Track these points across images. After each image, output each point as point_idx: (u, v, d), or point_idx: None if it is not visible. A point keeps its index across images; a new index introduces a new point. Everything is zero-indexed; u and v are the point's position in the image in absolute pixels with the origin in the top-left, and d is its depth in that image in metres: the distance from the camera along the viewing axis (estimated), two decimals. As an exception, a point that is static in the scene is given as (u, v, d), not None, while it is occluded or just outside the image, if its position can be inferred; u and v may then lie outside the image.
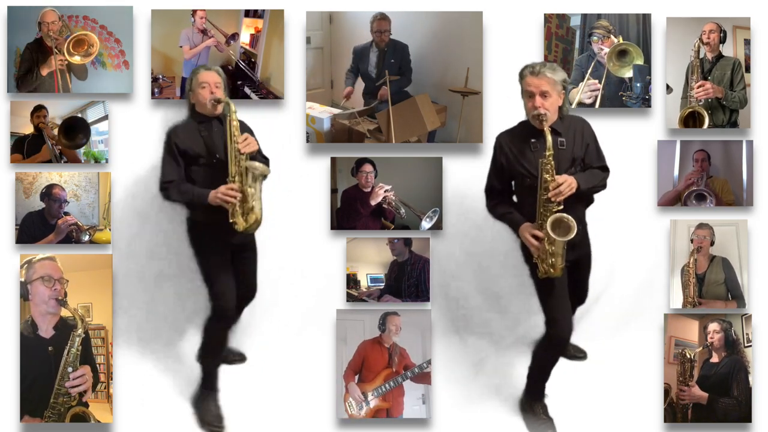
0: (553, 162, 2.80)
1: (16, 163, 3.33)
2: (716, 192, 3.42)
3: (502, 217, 3.02)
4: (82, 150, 3.36)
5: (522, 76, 2.92)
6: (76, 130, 3.36)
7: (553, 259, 2.86)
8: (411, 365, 3.25)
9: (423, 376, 3.24)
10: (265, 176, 3.02)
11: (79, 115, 3.36)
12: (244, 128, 3.14)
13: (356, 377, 3.22)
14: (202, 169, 3.10)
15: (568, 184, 2.79)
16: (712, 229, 3.39)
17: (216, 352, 3.17)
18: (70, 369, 3.10)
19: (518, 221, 2.93)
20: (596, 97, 3.44)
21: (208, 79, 3.11)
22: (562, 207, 2.81)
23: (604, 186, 2.97)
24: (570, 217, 2.80)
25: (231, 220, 3.00)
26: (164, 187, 3.10)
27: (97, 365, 3.17)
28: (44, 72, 3.34)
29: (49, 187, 3.33)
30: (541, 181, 2.82)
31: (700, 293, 3.39)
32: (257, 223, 3.02)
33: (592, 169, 2.94)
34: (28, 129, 3.34)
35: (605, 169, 2.98)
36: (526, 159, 2.93)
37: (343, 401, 3.20)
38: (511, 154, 2.96)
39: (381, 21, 3.43)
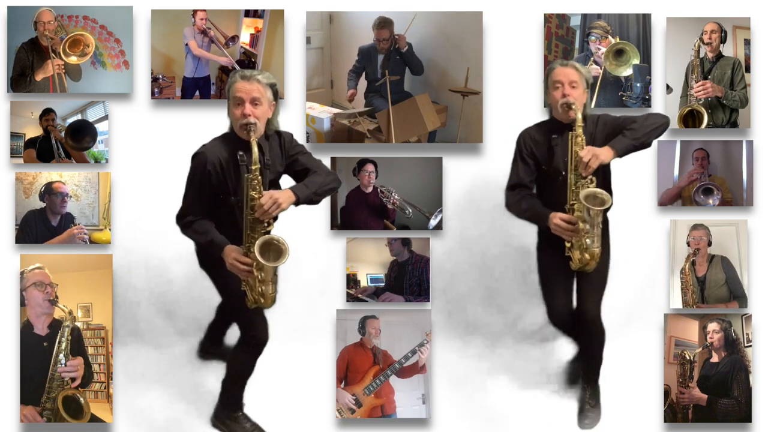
0: (583, 135, 2.83)
1: (30, 162, 3.34)
2: (718, 189, 3.43)
3: (527, 211, 2.98)
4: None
5: (551, 69, 2.97)
6: (83, 132, 3.36)
7: (589, 240, 2.81)
8: (396, 362, 3.25)
9: (413, 367, 3.23)
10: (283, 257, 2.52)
11: (82, 116, 3.36)
12: (283, 147, 2.74)
13: (342, 383, 3.21)
14: (233, 207, 2.69)
15: (590, 153, 2.77)
16: (708, 229, 3.39)
17: (245, 381, 2.95)
18: (61, 356, 3.12)
19: (544, 213, 2.91)
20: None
21: (243, 93, 2.61)
22: (594, 183, 2.82)
23: (658, 127, 2.85)
24: (603, 191, 2.80)
25: (242, 288, 2.65)
26: (180, 216, 2.73)
27: (89, 357, 3.19)
28: (39, 77, 3.34)
29: (49, 184, 3.33)
30: (572, 156, 2.84)
31: (702, 298, 3.38)
32: (269, 304, 2.68)
33: (624, 131, 2.87)
34: (30, 130, 3.34)
35: (636, 118, 2.88)
36: (547, 153, 2.97)
37: (335, 409, 3.19)
38: (535, 148, 2.99)
39: (380, 30, 3.41)
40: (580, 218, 2.82)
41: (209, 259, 2.83)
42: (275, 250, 2.58)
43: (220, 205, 2.72)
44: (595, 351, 3.08)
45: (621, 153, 2.83)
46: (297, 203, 2.64)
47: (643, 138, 2.84)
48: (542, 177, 3.02)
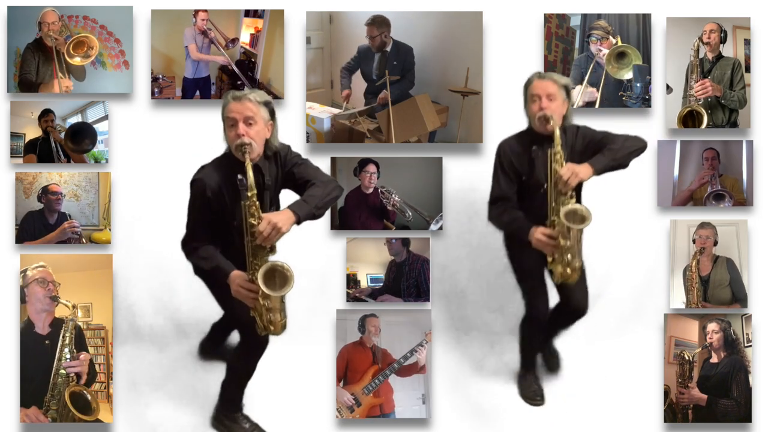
0: (562, 152, 2.82)
1: (29, 164, 3.35)
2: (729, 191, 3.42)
3: (508, 225, 2.99)
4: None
5: (529, 82, 2.97)
6: (82, 135, 3.37)
7: (569, 257, 2.83)
8: (395, 361, 3.25)
9: (412, 367, 3.23)
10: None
11: (82, 117, 3.37)
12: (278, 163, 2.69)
13: (341, 382, 3.21)
14: (235, 230, 2.61)
15: (570, 171, 2.77)
16: (715, 228, 3.39)
17: (244, 382, 2.95)
18: (66, 351, 3.13)
19: (526, 226, 2.91)
20: (593, 100, 3.46)
21: (236, 113, 2.54)
22: (574, 199, 2.83)
23: (636, 150, 2.89)
24: (584, 207, 2.81)
25: (251, 314, 2.61)
26: (184, 243, 2.69)
27: (92, 356, 3.18)
28: (43, 91, 3.35)
29: (45, 187, 3.34)
30: (551, 173, 2.83)
31: (705, 297, 3.38)
32: (279, 331, 2.66)
33: (604, 150, 2.89)
34: (30, 130, 3.34)
35: (615, 138, 2.91)
36: (528, 165, 2.96)
37: (335, 409, 3.20)
38: (516, 159, 2.98)
39: (369, 26, 3.41)
40: (561, 233, 2.83)
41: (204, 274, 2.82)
42: (280, 277, 2.52)
43: (222, 228, 2.67)
44: (562, 331, 3.28)
45: (599, 171, 2.85)
46: (299, 222, 2.55)
47: (621, 159, 2.88)
48: (523, 189, 3.01)
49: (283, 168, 2.76)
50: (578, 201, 2.99)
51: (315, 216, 2.61)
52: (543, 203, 2.91)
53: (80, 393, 3.13)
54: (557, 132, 2.82)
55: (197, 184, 2.63)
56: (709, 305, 3.37)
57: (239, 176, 2.52)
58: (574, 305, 3.09)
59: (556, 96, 2.90)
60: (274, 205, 2.79)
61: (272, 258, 2.59)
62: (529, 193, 2.99)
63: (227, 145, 2.67)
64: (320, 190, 2.64)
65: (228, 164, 2.65)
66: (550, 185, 2.85)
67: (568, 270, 2.87)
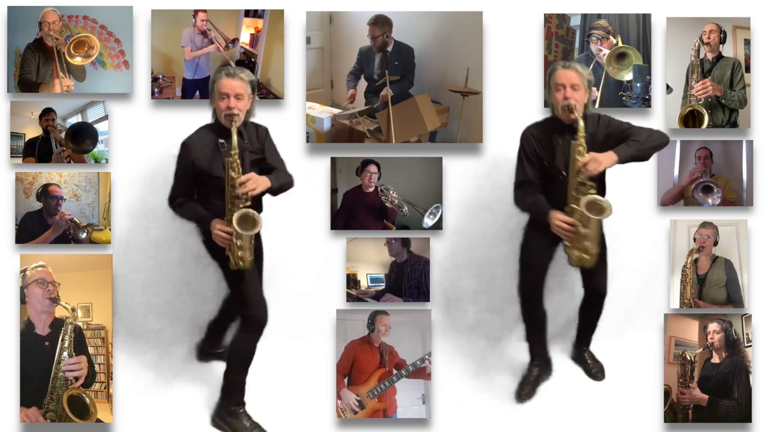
0: (585, 144, 2.88)
1: (29, 164, 3.35)
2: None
3: (531, 207, 3.07)
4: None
5: (552, 71, 3.02)
6: (83, 134, 3.36)
7: (588, 243, 2.89)
8: (402, 363, 3.24)
9: (419, 372, 3.23)
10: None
11: (82, 117, 3.37)
12: (256, 138, 3.03)
13: (346, 380, 3.21)
14: (217, 186, 2.95)
15: (593, 160, 2.85)
16: (717, 228, 3.39)
17: (247, 365, 3.04)
18: (65, 354, 3.13)
19: (545, 209, 2.99)
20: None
21: (228, 89, 2.92)
22: (594, 189, 2.89)
23: (659, 145, 2.95)
24: (604, 198, 2.88)
25: (226, 253, 2.93)
26: (171, 199, 3.03)
27: (91, 356, 3.18)
28: (43, 90, 3.35)
29: (45, 186, 3.34)
30: (572, 163, 2.90)
31: (700, 295, 3.39)
32: (247, 266, 2.94)
33: (629, 140, 2.94)
34: (31, 130, 3.34)
35: (641, 130, 2.96)
36: (551, 152, 3.02)
37: (336, 408, 3.19)
38: (538, 146, 3.04)
39: (372, 26, 3.42)
40: (580, 220, 2.88)
41: (215, 249, 3.00)
42: (251, 222, 2.88)
43: (206, 183, 2.99)
44: (597, 320, 3.33)
45: (623, 160, 2.90)
46: (270, 189, 2.97)
47: (646, 151, 2.94)
48: (545, 174, 3.07)
49: (260, 140, 3.10)
50: (602, 190, 3.04)
51: (276, 192, 3.03)
52: (561, 190, 2.98)
53: (78, 396, 3.12)
54: (581, 123, 2.88)
55: (185, 149, 2.99)
56: (703, 303, 3.38)
57: (220, 140, 2.97)
58: (594, 288, 3.21)
59: (580, 86, 2.96)
60: (254, 167, 3.04)
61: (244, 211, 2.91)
62: (548, 179, 3.06)
63: (213, 113, 3.01)
64: (286, 176, 3.09)
65: (214, 130, 3.01)
66: (572, 173, 2.90)
67: (585, 255, 2.94)
